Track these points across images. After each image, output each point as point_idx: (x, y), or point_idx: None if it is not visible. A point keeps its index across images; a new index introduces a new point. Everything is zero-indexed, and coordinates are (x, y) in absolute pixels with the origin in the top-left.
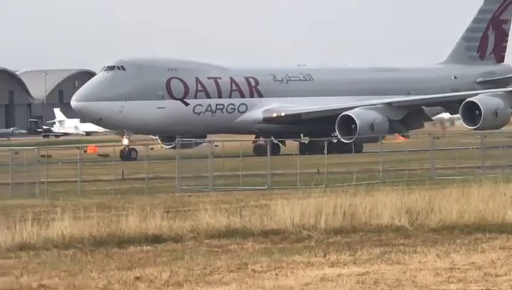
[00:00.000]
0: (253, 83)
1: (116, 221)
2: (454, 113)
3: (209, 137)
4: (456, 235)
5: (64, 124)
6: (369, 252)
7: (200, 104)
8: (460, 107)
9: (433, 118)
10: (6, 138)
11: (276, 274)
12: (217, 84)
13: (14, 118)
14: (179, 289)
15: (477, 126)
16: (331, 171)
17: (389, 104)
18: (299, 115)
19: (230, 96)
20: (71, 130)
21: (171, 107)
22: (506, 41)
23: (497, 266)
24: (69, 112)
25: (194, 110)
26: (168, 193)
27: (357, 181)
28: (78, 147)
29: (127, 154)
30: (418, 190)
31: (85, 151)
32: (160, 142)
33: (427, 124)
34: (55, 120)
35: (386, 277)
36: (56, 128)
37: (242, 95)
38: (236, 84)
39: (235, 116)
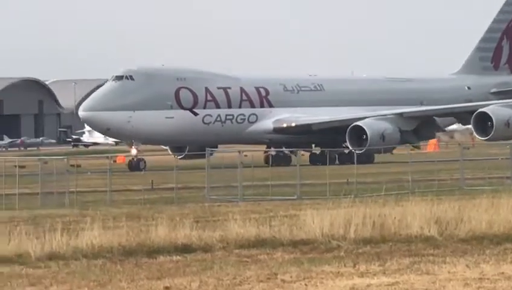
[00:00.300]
0: (263, 93)
1: (145, 231)
2: (467, 124)
3: (220, 147)
4: (486, 245)
5: (94, 134)
6: (398, 263)
7: (209, 114)
8: (472, 117)
9: (446, 128)
10: (35, 148)
11: (306, 284)
12: (226, 94)
13: (43, 128)
14: None
15: (488, 137)
16: (360, 181)
17: (400, 114)
18: (309, 125)
19: (240, 107)
20: (100, 140)
21: (180, 117)
22: None
23: None
24: None
25: (203, 120)
26: (197, 202)
27: (387, 191)
28: (107, 157)
29: (136, 165)
30: (448, 200)
31: (114, 161)
32: (170, 152)
33: (456, 134)
34: (84, 130)
35: (415, 287)
36: (85, 138)
37: (252, 105)
38: (247, 94)
39: (245, 126)
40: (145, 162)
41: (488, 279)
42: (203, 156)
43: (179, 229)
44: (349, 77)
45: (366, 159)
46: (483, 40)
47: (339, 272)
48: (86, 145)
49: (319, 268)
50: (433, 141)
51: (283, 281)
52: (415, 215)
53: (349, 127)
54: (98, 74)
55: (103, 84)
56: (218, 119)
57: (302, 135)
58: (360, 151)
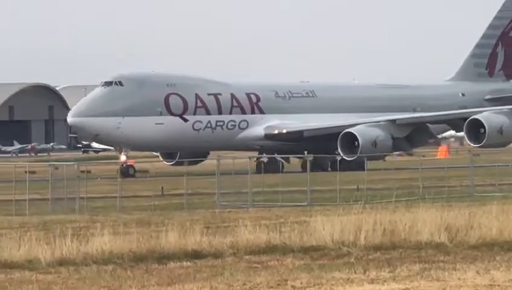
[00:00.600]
0: (254, 99)
1: (155, 237)
2: (460, 131)
3: (212, 153)
4: (496, 252)
5: None
6: (408, 269)
7: (199, 121)
8: (465, 124)
9: (439, 135)
10: (46, 153)
11: None
12: (217, 100)
13: (53, 134)
14: None
15: (481, 144)
16: (370, 188)
17: (393, 121)
18: (300, 132)
19: (231, 113)
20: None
21: (170, 124)
22: None
23: None
24: None
25: (193, 126)
26: (207, 208)
27: (397, 198)
28: (117, 163)
29: (125, 171)
30: (458, 207)
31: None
32: (161, 159)
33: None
34: None
35: None
36: (95, 144)
37: (243, 112)
38: (237, 101)
39: (236, 132)
40: (134, 168)
41: (498, 285)
42: (194, 162)
43: (189, 235)
44: (341, 83)
45: (357, 166)
46: (478, 46)
47: (349, 279)
48: (96, 151)
49: (330, 274)
50: (443, 148)
51: (293, 287)
52: (425, 221)
53: (341, 134)
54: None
55: None
56: (209, 125)
57: (293, 142)
58: (351, 159)
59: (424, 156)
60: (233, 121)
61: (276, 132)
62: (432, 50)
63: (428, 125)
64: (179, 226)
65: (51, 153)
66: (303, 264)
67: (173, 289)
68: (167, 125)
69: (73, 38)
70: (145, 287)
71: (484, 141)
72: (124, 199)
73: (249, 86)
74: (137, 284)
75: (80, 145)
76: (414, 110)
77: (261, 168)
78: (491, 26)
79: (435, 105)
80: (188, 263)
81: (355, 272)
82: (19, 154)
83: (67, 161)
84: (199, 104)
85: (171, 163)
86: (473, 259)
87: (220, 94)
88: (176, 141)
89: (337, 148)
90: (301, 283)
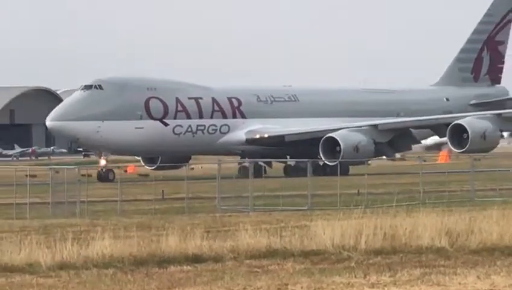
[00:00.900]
0: (236, 104)
1: (156, 241)
2: (444, 136)
3: (193, 158)
4: (497, 256)
5: None
6: (409, 274)
7: (180, 125)
8: (448, 129)
9: (422, 141)
10: (46, 157)
11: None
12: (198, 104)
13: (54, 137)
14: None
15: (464, 149)
16: (371, 192)
17: (375, 126)
18: (282, 136)
19: (212, 117)
20: None
21: (150, 128)
22: (503, 62)
23: None
24: None
25: (173, 130)
26: (208, 212)
27: (397, 202)
28: (118, 167)
29: (105, 176)
30: (458, 212)
31: (125, 171)
32: (142, 163)
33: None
34: None
35: None
36: None
37: (224, 116)
38: (219, 105)
39: (217, 137)
40: (114, 173)
41: None
42: (175, 167)
43: (189, 240)
44: (324, 87)
45: (341, 171)
46: (463, 50)
47: (349, 283)
48: None
49: (330, 279)
50: (444, 152)
51: None
52: (426, 226)
53: (323, 139)
54: None
55: None
56: (189, 130)
57: (275, 147)
58: (333, 164)
59: (425, 161)
60: (215, 125)
61: (257, 136)
62: (431, 50)
63: (412, 130)
64: (180, 230)
65: (52, 157)
66: (303, 269)
67: None
68: (147, 130)
69: (73, 39)
70: None
71: (467, 146)
72: (125, 203)
73: (230, 90)
74: (138, 288)
75: (81, 149)
76: (398, 115)
77: (245, 172)
78: (476, 31)
79: (419, 110)
80: (189, 267)
81: (355, 277)
82: (20, 158)
83: (68, 165)
84: (180, 108)
85: (153, 168)
86: (474, 264)
87: (201, 98)
88: (156, 145)
89: (319, 153)
90: (301, 288)
